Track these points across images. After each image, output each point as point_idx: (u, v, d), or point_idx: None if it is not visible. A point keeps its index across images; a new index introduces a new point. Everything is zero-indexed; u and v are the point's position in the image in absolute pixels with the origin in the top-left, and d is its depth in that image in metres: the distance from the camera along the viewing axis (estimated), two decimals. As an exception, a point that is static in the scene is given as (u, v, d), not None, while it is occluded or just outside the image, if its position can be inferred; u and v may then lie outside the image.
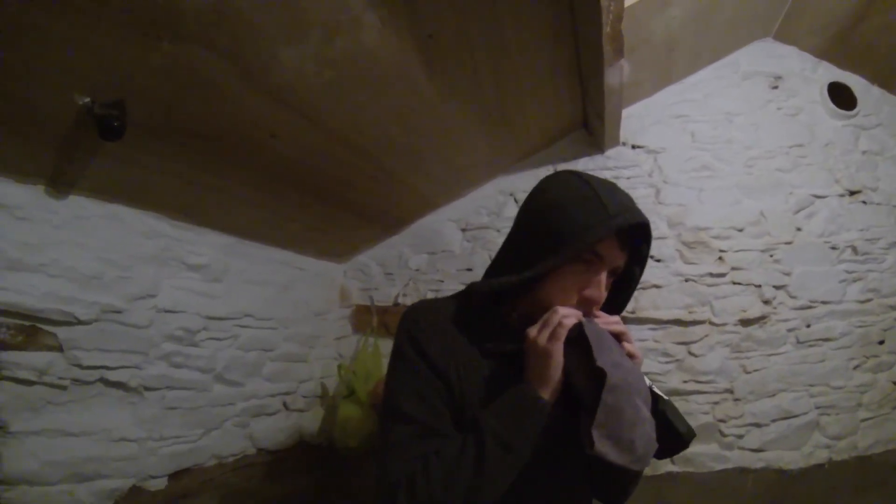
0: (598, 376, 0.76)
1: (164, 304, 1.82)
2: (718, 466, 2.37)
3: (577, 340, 0.83)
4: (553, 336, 0.84)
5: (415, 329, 0.96)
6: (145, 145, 1.52)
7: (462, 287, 1.07)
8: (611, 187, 0.92)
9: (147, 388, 1.77)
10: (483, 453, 0.81)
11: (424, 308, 1.02)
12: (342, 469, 2.63)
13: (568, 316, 0.85)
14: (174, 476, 1.87)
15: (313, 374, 2.63)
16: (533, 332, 0.87)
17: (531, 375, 0.87)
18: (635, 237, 0.94)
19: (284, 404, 2.43)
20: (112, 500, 1.65)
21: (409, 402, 0.90)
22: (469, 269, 2.73)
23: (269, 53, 1.42)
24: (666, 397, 0.87)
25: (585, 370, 0.80)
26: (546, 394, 0.85)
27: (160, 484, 1.82)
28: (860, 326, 2.53)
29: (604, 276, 0.91)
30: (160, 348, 1.81)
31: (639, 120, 2.76)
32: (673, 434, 0.83)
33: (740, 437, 2.40)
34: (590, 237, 0.85)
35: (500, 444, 0.81)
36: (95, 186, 1.58)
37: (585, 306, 0.90)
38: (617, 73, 1.95)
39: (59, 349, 1.51)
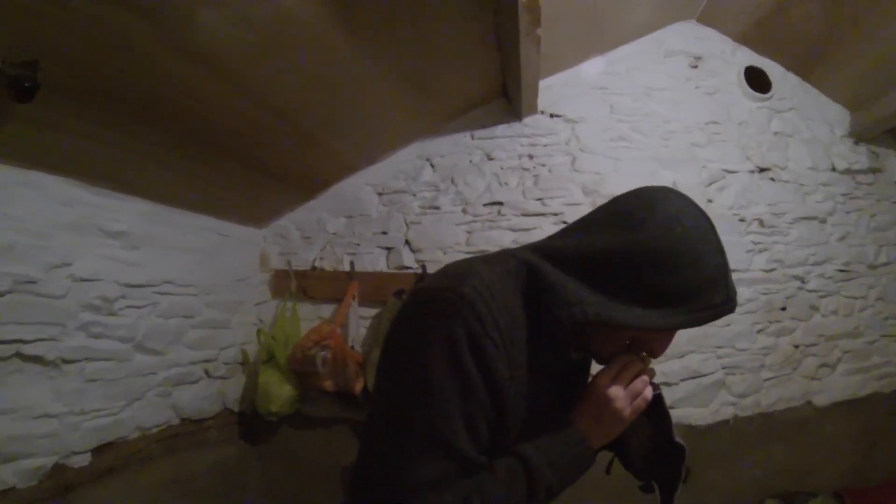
0: (674, 449, 0.91)
1: (82, 272, 1.82)
2: (630, 424, 2.56)
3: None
4: (635, 409, 0.85)
5: (483, 336, 0.77)
6: (62, 107, 1.52)
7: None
8: (726, 260, 0.84)
9: (65, 361, 1.77)
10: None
11: (493, 300, 0.80)
12: (265, 435, 2.70)
13: (648, 385, 0.86)
14: (98, 451, 1.89)
15: (235, 341, 2.66)
16: (614, 392, 0.84)
17: (593, 430, 0.85)
18: None
19: (206, 372, 2.45)
20: (36, 479, 1.65)
21: (458, 432, 0.76)
22: (384, 233, 2.81)
23: (188, 14, 1.44)
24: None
25: (653, 437, 0.94)
26: (597, 447, 0.87)
27: (84, 460, 1.83)
28: (765, 294, 2.80)
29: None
30: (78, 319, 1.81)
31: (559, 90, 2.89)
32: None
33: (651, 395, 2.60)
34: (712, 314, 0.80)
35: (549, 494, 0.82)
36: (9, 152, 1.57)
37: (643, 351, 0.90)
38: (534, 44, 2.04)
39: (-29, 324, 1.48)
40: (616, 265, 0.81)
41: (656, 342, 0.88)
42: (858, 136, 3.19)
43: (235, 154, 2.16)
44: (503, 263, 0.88)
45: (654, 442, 0.94)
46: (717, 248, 0.82)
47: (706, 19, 3.12)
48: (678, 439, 0.91)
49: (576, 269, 0.83)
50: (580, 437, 0.84)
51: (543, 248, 0.90)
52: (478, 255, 0.99)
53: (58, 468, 1.73)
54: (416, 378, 0.78)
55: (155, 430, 2.15)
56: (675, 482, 0.90)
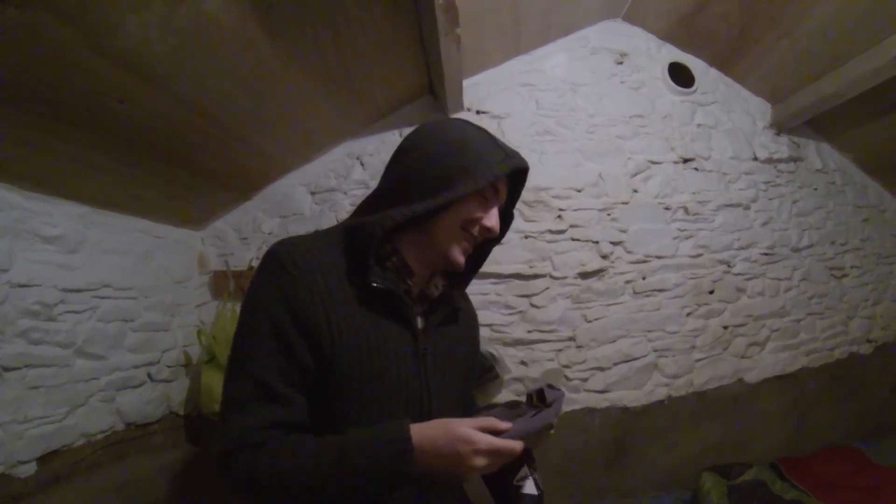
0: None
1: (19, 278, 1.85)
2: (567, 408, 2.73)
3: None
4: (483, 465, 0.84)
5: (281, 274, 0.93)
6: (-10, 113, 1.57)
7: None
8: (496, 138, 1.08)
9: (6, 369, 1.79)
10: (334, 485, 0.85)
11: (294, 248, 0.97)
12: (212, 437, 2.69)
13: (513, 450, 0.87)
14: (43, 459, 1.90)
15: (176, 343, 2.67)
16: (476, 436, 0.84)
17: (433, 464, 0.84)
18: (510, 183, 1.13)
19: (149, 375, 2.46)
20: (-19, 492, 1.67)
21: (259, 359, 0.90)
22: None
23: (114, 19, 1.52)
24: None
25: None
26: (418, 469, 0.85)
27: (30, 469, 1.84)
28: (692, 278, 3.03)
29: (497, 210, 1.07)
30: (17, 325, 1.83)
31: (486, 87, 3.04)
32: None
33: (585, 380, 2.80)
34: (497, 170, 1.00)
35: (352, 485, 0.85)
36: (-61, 158, 1.62)
37: (484, 235, 1.06)
38: (453, 42, 2.17)
39: None
40: (403, 180, 1.02)
41: (484, 220, 1.04)
42: (780, 126, 3.49)
43: (167, 156, 2.20)
44: (325, 231, 1.08)
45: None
46: (478, 129, 1.06)
47: (631, 17, 3.35)
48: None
49: (378, 205, 1.03)
50: (403, 448, 0.84)
51: (357, 209, 1.12)
52: None
53: (3, 479, 1.73)
54: (241, 315, 0.97)
55: (100, 437, 2.17)
56: None
